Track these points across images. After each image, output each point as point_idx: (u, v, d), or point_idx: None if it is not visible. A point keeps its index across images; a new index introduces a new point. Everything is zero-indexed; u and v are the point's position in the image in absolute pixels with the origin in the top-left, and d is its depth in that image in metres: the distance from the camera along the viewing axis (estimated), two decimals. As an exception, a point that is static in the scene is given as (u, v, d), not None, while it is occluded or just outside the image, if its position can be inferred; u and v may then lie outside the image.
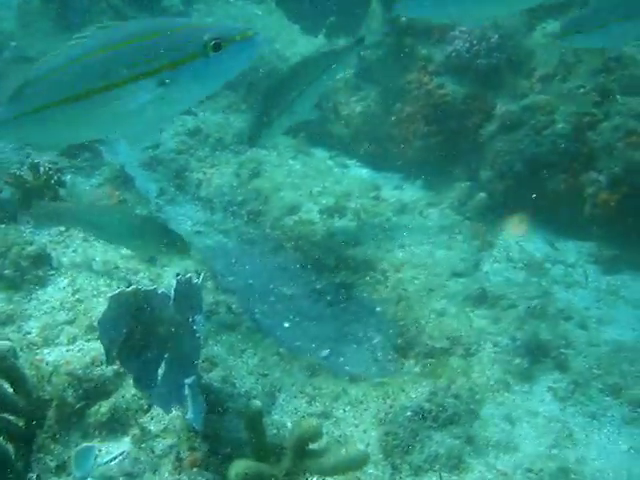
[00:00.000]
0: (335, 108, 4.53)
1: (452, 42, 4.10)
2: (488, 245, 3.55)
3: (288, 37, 5.06)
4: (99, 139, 3.98)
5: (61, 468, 2.08)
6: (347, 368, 2.79)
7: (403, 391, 2.45)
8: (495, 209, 3.78)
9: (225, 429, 2.10)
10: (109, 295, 1.95)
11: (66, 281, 2.69)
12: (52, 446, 2.11)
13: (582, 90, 3.74)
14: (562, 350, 2.82)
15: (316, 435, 1.88)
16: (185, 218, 3.78)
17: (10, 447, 2.06)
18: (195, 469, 2.01)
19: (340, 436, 2.29)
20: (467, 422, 2.40)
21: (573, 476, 2.28)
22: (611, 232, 3.53)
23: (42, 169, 3.05)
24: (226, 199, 3.88)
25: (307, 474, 1.94)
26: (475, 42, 4.02)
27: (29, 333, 2.48)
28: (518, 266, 3.44)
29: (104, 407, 2.20)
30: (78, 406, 2.20)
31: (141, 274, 2.83)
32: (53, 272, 2.74)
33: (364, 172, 4.32)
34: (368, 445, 2.28)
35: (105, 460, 2.10)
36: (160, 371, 2.03)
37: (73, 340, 2.45)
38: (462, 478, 2.21)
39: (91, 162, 3.64)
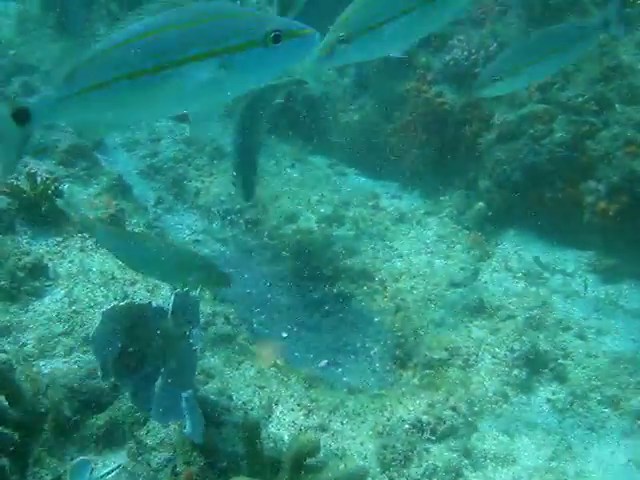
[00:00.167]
0: (333, 116, 4.53)
1: (450, 50, 4.10)
2: (487, 255, 3.54)
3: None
4: (96, 147, 3.98)
5: (57, 482, 2.06)
6: (345, 379, 2.78)
7: (401, 403, 2.45)
8: (494, 218, 3.77)
9: (221, 442, 2.09)
10: (102, 311, 1.93)
11: (63, 292, 2.68)
12: (48, 459, 2.10)
13: (581, 99, 3.74)
14: (560, 361, 2.81)
15: (314, 450, 1.87)
16: (183, 227, 3.77)
17: (5, 461, 2.04)
18: (191, 483, 1.99)
19: (337, 449, 2.28)
20: (465, 435, 2.39)
21: (572, 489, 2.27)
22: (610, 241, 3.52)
23: (39, 179, 3.04)
24: (224, 208, 3.87)
25: (304, 489, 1.92)
26: (473, 50, 4.02)
27: (25, 345, 2.46)
28: (517, 276, 3.44)
29: (100, 420, 2.19)
30: (74, 419, 2.19)
31: (138, 285, 2.82)
32: (50, 283, 2.73)
33: (363, 180, 4.32)
34: (365, 458, 2.27)
35: (101, 474, 2.09)
36: (157, 385, 2.02)
37: (69, 352, 2.44)
38: (460, 492, 2.20)
39: (89, 171, 3.63)
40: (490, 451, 2.38)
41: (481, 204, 3.78)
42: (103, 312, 1.98)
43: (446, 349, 2.82)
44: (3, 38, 4.77)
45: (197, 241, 3.64)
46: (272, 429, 2.31)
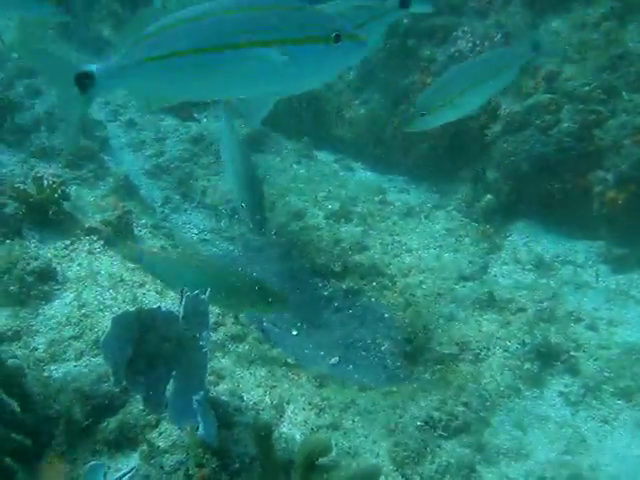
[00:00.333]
0: (339, 111, 4.51)
1: (455, 42, 4.08)
2: (496, 247, 3.52)
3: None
4: (102, 148, 3.99)
5: (70, 487, 2.07)
6: (356, 376, 2.77)
7: (412, 400, 2.43)
8: (502, 210, 3.75)
9: (233, 444, 2.08)
10: (112, 316, 1.93)
11: (72, 296, 2.69)
12: (60, 464, 2.10)
13: (587, 88, 3.71)
14: (572, 353, 2.79)
15: (326, 450, 1.86)
16: (191, 226, 3.77)
17: (17, 466, 2.05)
18: (204, 485, 1.99)
19: (350, 448, 2.27)
20: (478, 430, 2.38)
21: (586, 483, 2.25)
22: (620, 231, 3.50)
23: (46, 182, 3.05)
24: (231, 206, 3.86)
25: (317, 489, 1.92)
26: (478, 42, 4.00)
27: (36, 349, 2.47)
28: (527, 268, 3.42)
29: (112, 424, 2.19)
30: (86, 423, 2.19)
31: (147, 286, 2.82)
32: (59, 287, 2.73)
33: (369, 175, 4.30)
34: (378, 456, 2.26)
35: (114, 477, 2.09)
36: (169, 389, 2.02)
37: (80, 356, 2.44)
38: (474, 488, 2.19)
39: (95, 173, 3.64)
40: (503, 446, 2.37)
41: (489, 196, 3.76)
42: (113, 318, 1.98)
43: (457, 344, 2.81)
44: (5, 41, 4.76)
45: (205, 240, 3.63)
46: (284, 429, 2.31)
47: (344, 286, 3.27)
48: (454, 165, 4.05)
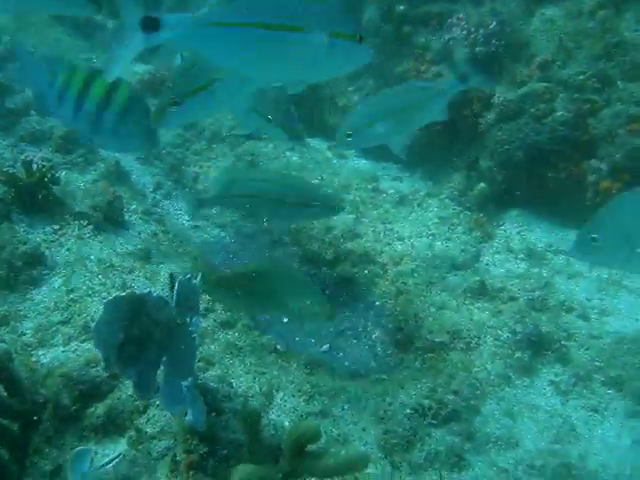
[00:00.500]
0: (332, 98, 4.48)
1: (450, 30, 4.05)
2: (488, 236, 3.51)
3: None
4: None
5: (56, 472, 2.06)
6: (346, 364, 2.76)
7: (402, 388, 2.43)
8: (495, 199, 3.74)
9: (222, 430, 2.07)
10: (104, 302, 1.91)
11: (60, 281, 2.67)
12: (47, 449, 2.09)
13: (582, 76, 3.69)
14: (564, 342, 2.79)
15: (315, 436, 1.85)
16: (182, 212, 3.74)
17: (4, 451, 2.03)
18: (192, 472, 1.98)
19: (339, 435, 2.26)
20: (467, 418, 2.38)
21: (575, 472, 2.25)
22: (613, 220, 3.48)
23: (35, 166, 3.02)
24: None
25: (306, 476, 1.91)
26: (473, 29, 3.97)
27: (24, 334, 2.45)
28: (519, 257, 3.41)
29: (100, 409, 2.18)
30: (73, 408, 2.18)
31: (136, 272, 2.80)
32: (47, 272, 2.71)
33: (363, 163, 4.28)
34: (367, 443, 2.25)
35: (101, 463, 2.08)
36: (159, 375, 2.01)
37: (68, 341, 2.42)
38: (462, 476, 2.18)
39: (86, 157, 3.61)
40: (493, 434, 2.37)
41: (482, 185, 3.74)
42: (105, 303, 1.96)
43: (448, 332, 2.79)
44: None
45: (196, 227, 3.61)
46: (273, 416, 2.30)
47: (335, 274, 3.25)
48: (448, 153, 4.03)
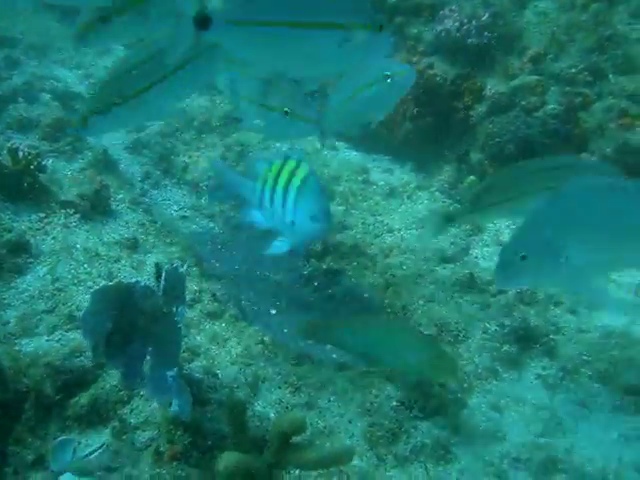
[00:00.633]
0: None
1: (442, 21, 4.03)
2: (478, 229, 3.49)
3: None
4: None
5: (38, 462, 2.04)
6: (334, 355, 2.74)
7: (389, 380, 2.41)
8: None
9: (206, 421, 2.06)
10: (92, 291, 1.90)
11: (45, 269, 2.64)
12: (29, 439, 2.07)
13: (574, 70, 3.68)
14: (552, 336, 2.78)
15: (300, 428, 1.84)
16: (171, 202, 3.71)
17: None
18: (175, 463, 1.97)
19: (325, 427, 2.25)
20: (454, 411, 2.36)
21: (562, 465, 2.24)
22: (603, 215, 3.48)
23: (22, 154, 2.99)
24: (212, 183, 3.80)
25: (290, 467, 1.90)
26: (465, 21, 3.95)
27: (8, 323, 2.43)
28: (508, 250, 3.39)
29: (83, 399, 2.17)
30: (57, 398, 2.16)
31: (123, 261, 2.77)
32: (32, 260, 2.68)
33: (354, 155, 4.25)
34: (353, 435, 2.24)
35: (84, 453, 2.07)
36: (146, 365, 1.99)
37: (52, 330, 2.40)
38: (448, 469, 2.17)
39: (73, 146, 3.58)
40: (479, 427, 2.36)
41: (472, 177, 3.73)
42: (92, 292, 1.95)
43: (436, 325, 2.78)
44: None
45: (185, 217, 3.58)
46: (258, 407, 2.28)
47: (324, 266, 3.23)
48: (439, 146, 4.01)
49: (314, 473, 2.02)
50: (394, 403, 2.32)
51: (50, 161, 3.30)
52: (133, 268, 2.74)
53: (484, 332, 2.78)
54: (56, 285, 2.57)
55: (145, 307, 2.02)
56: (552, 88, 3.65)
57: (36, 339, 2.36)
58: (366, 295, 3.05)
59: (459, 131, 3.93)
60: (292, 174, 2.46)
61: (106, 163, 3.57)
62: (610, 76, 3.60)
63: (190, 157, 3.99)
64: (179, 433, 2.00)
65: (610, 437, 2.39)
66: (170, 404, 1.97)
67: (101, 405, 2.16)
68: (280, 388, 2.38)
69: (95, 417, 2.14)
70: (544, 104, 3.63)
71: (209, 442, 2.00)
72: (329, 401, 2.36)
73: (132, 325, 2.01)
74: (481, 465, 2.20)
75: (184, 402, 1.97)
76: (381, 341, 2.31)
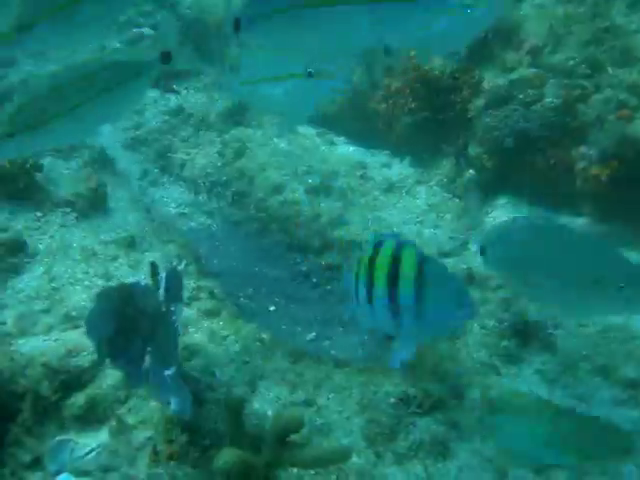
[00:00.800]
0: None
1: (439, 15, 4.00)
2: (477, 224, 3.48)
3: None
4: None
5: (36, 462, 2.04)
6: (333, 352, 2.74)
7: (387, 377, 2.40)
8: (485, 186, 3.71)
9: (204, 420, 2.05)
10: (96, 293, 1.91)
11: (42, 269, 2.64)
12: (26, 440, 2.07)
13: (572, 62, 3.66)
14: (550, 331, 2.77)
15: (297, 426, 1.84)
16: (169, 200, 3.71)
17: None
18: (172, 462, 1.97)
19: (323, 424, 2.24)
20: (452, 407, 2.36)
21: (561, 461, 2.23)
22: (602, 207, 3.46)
23: (18, 153, 2.97)
24: (210, 180, 3.80)
25: (287, 465, 1.90)
26: (463, 14, 3.92)
27: (4, 323, 2.43)
28: (507, 244, 3.38)
29: (80, 399, 2.16)
30: (54, 398, 2.16)
31: (120, 260, 2.77)
32: (29, 259, 2.68)
33: (352, 150, 4.23)
34: (351, 433, 2.23)
35: (81, 453, 2.06)
36: (147, 365, 2.00)
37: (49, 330, 2.40)
38: (446, 465, 2.16)
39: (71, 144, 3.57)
40: (478, 424, 2.35)
41: (471, 171, 3.71)
42: (97, 294, 1.98)
43: (435, 320, 2.77)
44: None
45: (183, 214, 3.57)
46: (256, 405, 2.28)
47: (323, 262, 3.23)
48: (437, 140, 3.99)
49: (312, 471, 2.01)
50: (392, 400, 2.32)
51: (47, 160, 3.29)
52: (130, 267, 2.74)
53: (482, 327, 2.77)
54: (53, 284, 2.56)
55: (145, 307, 2.03)
56: (550, 81, 3.62)
57: (33, 339, 2.35)
58: (365, 291, 3.04)
59: (457, 125, 3.91)
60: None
61: (103, 161, 3.56)
62: (609, 68, 3.57)
63: (188, 154, 3.98)
64: (177, 432, 2.00)
65: (610, 431, 2.38)
66: (169, 403, 1.98)
67: (98, 405, 2.15)
68: (278, 386, 2.37)
69: (92, 417, 2.14)
70: (542, 97, 3.61)
71: (207, 441, 2.00)
72: (328, 398, 2.35)
73: (133, 325, 2.02)
74: (479, 461, 2.20)
75: (184, 401, 1.97)
76: None
